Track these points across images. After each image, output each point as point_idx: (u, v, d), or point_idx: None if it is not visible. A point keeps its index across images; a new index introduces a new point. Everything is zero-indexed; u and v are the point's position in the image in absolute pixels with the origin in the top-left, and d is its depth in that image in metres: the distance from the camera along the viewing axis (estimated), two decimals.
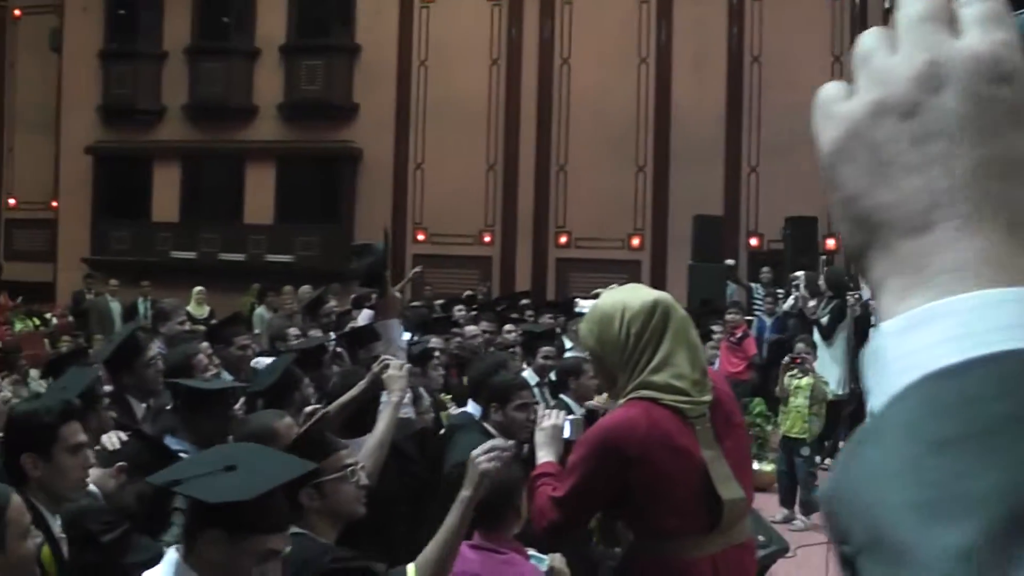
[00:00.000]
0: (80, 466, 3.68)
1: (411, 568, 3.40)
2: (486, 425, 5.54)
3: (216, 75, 25.57)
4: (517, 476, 3.71)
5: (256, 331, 12.56)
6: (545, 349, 8.15)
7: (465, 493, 4.18)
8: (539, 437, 3.70)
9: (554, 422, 3.67)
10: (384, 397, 4.58)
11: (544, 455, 3.63)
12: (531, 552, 4.32)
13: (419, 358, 7.86)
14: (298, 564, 3.04)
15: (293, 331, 9.30)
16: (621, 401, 3.25)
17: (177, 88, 25.87)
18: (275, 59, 25.62)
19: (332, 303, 12.56)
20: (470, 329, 10.74)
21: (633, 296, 3.34)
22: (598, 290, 3.95)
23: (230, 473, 2.77)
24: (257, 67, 25.84)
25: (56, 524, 3.60)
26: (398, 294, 5.70)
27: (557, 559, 4.31)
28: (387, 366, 4.63)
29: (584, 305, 12.38)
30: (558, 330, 10.69)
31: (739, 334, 12.44)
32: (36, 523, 3.21)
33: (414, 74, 25.23)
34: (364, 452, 4.21)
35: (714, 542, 3.16)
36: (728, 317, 12.48)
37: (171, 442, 4.66)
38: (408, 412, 5.35)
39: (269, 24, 25.63)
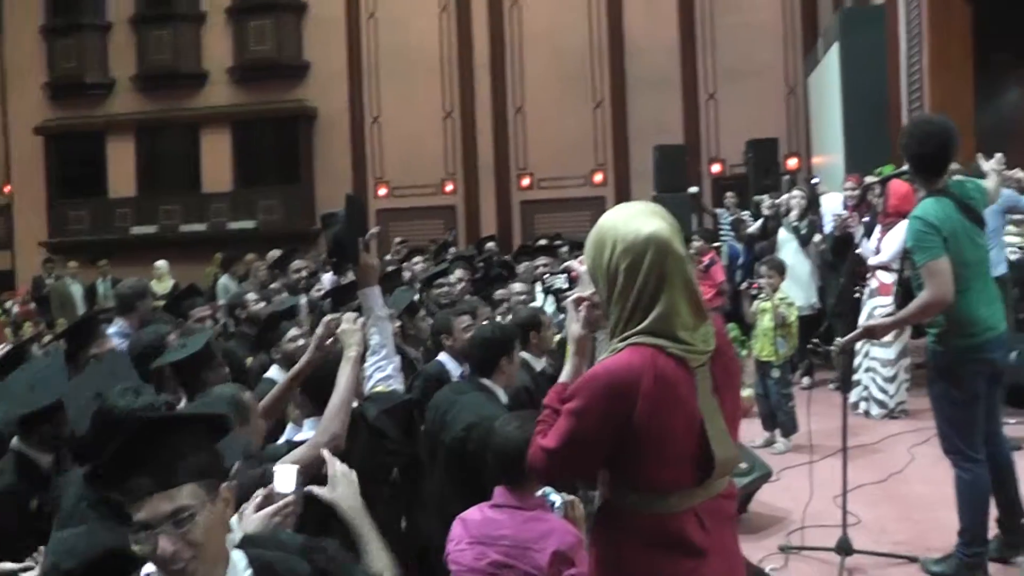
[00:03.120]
0: None
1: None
2: (484, 382, 5.48)
3: (163, 43, 25.18)
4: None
5: (220, 301, 12.42)
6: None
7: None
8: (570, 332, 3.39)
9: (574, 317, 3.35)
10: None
11: (564, 369, 3.37)
12: (545, 490, 4.26)
13: (404, 312, 7.82)
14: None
15: (251, 296, 9.11)
16: (619, 344, 3.01)
17: (124, 59, 25.47)
18: (222, 22, 25.27)
19: (301, 262, 12.45)
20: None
21: (628, 224, 3.04)
22: None
23: None
24: (204, 31, 25.45)
25: None
26: (374, 260, 5.54)
27: (574, 502, 4.25)
28: (336, 323, 4.53)
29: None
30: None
31: (706, 261, 12.38)
32: None
33: (363, 27, 24.95)
34: (325, 418, 4.12)
35: (699, 495, 3.05)
36: (694, 245, 12.40)
37: None
38: (394, 383, 5.25)
39: None
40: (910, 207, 8.18)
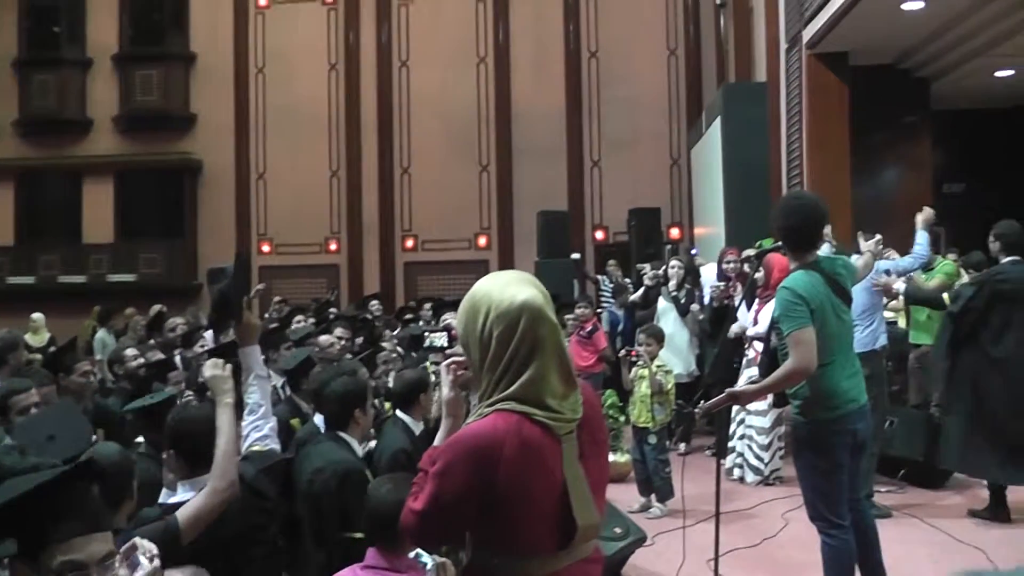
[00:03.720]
0: None
1: None
2: (339, 433, 5.50)
3: (48, 87, 24.83)
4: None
5: (98, 356, 12.26)
6: None
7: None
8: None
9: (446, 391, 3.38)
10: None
11: (439, 432, 3.43)
12: (418, 552, 4.28)
13: (295, 371, 7.81)
14: None
15: (130, 352, 9.01)
16: (486, 409, 3.01)
17: (6, 103, 25.00)
18: (109, 69, 24.99)
19: (178, 319, 12.34)
20: (324, 339, 10.64)
21: (503, 292, 3.04)
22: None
23: None
24: (90, 78, 25.15)
25: None
26: (255, 319, 5.51)
27: (445, 564, 4.27)
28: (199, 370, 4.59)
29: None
30: None
31: (589, 328, 12.52)
32: None
33: (252, 81, 24.92)
34: (217, 464, 4.12)
35: (562, 559, 3.02)
36: (577, 311, 12.54)
37: None
38: (271, 442, 5.24)
39: (101, 32, 24.98)
40: None
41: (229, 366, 4.64)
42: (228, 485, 4.03)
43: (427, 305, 15.98)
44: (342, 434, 5.51)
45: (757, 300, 10.29)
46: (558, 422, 2.99)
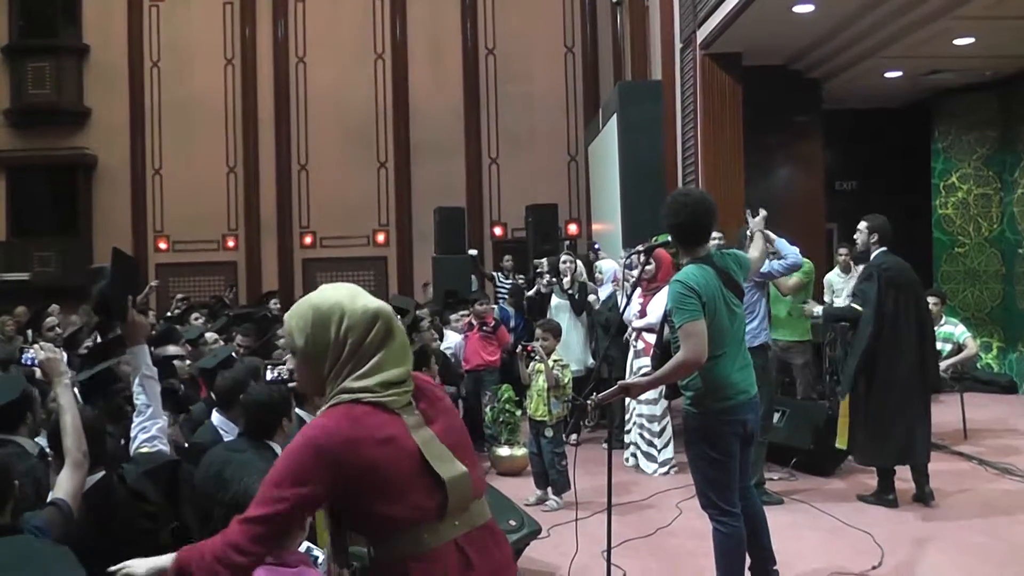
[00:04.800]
0: None
1: None
2: (267, 442, 5.43)
3: None
4: None
5: None
6: None
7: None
8: None
9: None
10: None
11: None
12: (308, 544, 4.31)
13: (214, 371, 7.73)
14: None
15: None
16: (322, 409, 3.16)
17: None
18: None
19: (53, 320, 12.16)
20: (210, 336, 10.61)
21: (352, 301, 3.21)
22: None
23: None
24: None
25: None
26: (142, 318, 5.47)
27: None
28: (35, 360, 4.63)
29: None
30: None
31: (492, 323, 12.50)
32: None
33: (147, 76, 24.56)
34: (67, 438, 4.23)
35: (451, 527, 3.12)
36: (478, 308, 12.54)
37: None
38: (158, 444, 5.23)
39: None
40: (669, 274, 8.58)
41: (60, 349, 4.69)
42: (84, 456, 4.19)
43: None
44: (271, 443, 5.43)
45: (638, 292, 10.41)
46: (387, 398, 3.13)
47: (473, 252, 19.17)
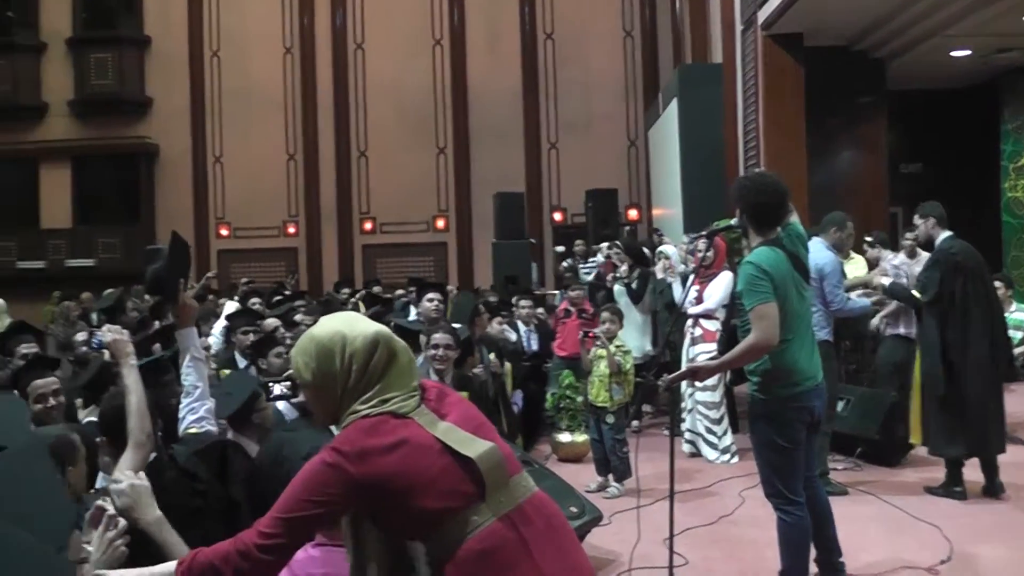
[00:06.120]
0: None
1: None
2: None
3: (2, 73, 24.59)
4: None
5: None
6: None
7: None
8: None
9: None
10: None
11: None
12: None
13: (258, 345, 7.77)
14: None
15: (81, 337, 8.87)
16: (340, 428, 3.23)
17: None
18: (63, 53, 24.78)
19: (133, 304, 12.26)
20: (269, 322, 10.59)
21: (351, 328, 3.26)
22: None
23: None
24: (45, 62, 24.89)
25: None
26: (192, 301, 5.51)
27: None
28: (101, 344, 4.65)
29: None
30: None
31: (591, 311, 12.10)
32: None
33: (207, 65, 24.81)
34: (132, 419, 4.25)
35: (497, 503, 3.11)
36: (573, 294, 12.26)
37: None
38: (207, 424, 5.23)
39: (54, 17, 24.73)
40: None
41: (126, 331, 4.72)
42: (147, 437, 4.21)
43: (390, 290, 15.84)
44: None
45: (698, 279, 10.28)
46: (396, 405, 3.16)
47: (532, 241, 19.14)
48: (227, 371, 8.17)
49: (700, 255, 9.81)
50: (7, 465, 2.69)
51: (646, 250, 13.15)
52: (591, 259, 16.43)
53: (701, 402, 10.50)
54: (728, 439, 10.43)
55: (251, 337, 9.36)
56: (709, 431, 10.47)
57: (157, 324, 10.69)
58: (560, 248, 19.16)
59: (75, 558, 2.62)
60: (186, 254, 5.58)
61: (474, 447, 3.13)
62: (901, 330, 10.06)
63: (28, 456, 2.83)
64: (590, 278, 14.12)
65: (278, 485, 4.44)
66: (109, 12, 24.99)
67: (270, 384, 6.05)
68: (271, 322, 10.30)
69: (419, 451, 3.08)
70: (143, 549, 3.43)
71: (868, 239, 11.99)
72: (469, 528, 3.07)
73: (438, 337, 7.71)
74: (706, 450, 10.49)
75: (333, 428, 5.61)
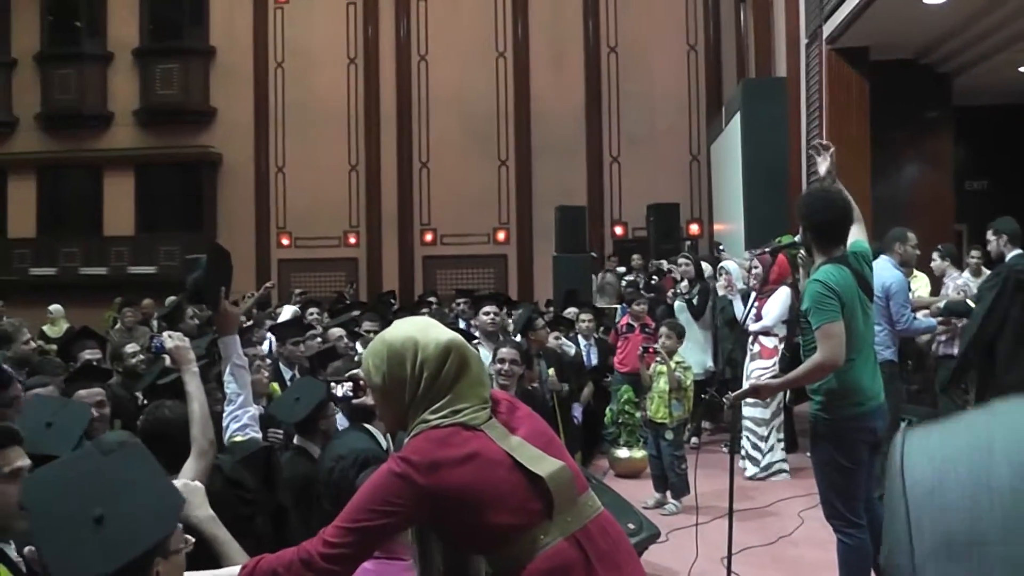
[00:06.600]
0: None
1: None
2: (365, 425, 5.48)
3: (69, 82, 24.88)
4: None
5: None
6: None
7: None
8: None
9: None
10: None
11: None
12: None
13: (321, 356, 7.85)
14: None
15: (130, 348, 8.64)
16: (406, 441, 3.16)
17: (29, 97, 25.06)
18: (129, 64, 25.05)
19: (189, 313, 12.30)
20: (333, 332, 10.58)
21: (424, 335, 3.22)
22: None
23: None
24: (111, 72, 25.19)
25: (10, 549, 3.49)
26: (234, 309, 5.55)
27: None
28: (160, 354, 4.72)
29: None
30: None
31: (653, 325, 12.01)
32: None
33: (271, 76, 24.97)
34: (195, 426, 4.32)
35: (564, 523, 3.07)
36: (636, 308, 12.20)
37: None
38: (250, 432, 5.25)
39: (121, 27, 25.02)
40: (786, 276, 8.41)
41: (186, 338, 4.79)
42: (210, 445, 4.29)
43: (443, 301, 15.89)
44: (368, 426, 5.47)
45: (757, 296, 10.18)
46: (465, 417, 3.11)
47: (594, 254, 19.13)
48: (274, 384, 8.18)
49: (764, 271, 9.69)
50: (114, 464, 2.71)
51: (706, 265, 13.08)
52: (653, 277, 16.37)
53: (749, 417, 10.40)
54: (773, 456, 10.33)
55: (301, 348, 9.39)
56: (755, 447, 10.37)
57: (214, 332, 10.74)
58: (594, 254, 19.16)
59: (175, 548, 2.65)
60: (227, 263, 5.61)
61: (545, 465, 3.09)
62: (954, 350, 9.93)
63: (128, 451, 2.86)
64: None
65: (321, 485, 4.50)
66: (175, 23, 25.26)
67: (332, 384, 6.08)
68: (335, 332, 10.30)
69: (490, 465, 3.05)
70: (197, 548, 3.45)
71: (939, 248, 11.85)
72: (537, 547, 3.04)
73: (504, 352, 7.69)
74: (746, 464, 10.38)
75: (373, 430, 5.67)
